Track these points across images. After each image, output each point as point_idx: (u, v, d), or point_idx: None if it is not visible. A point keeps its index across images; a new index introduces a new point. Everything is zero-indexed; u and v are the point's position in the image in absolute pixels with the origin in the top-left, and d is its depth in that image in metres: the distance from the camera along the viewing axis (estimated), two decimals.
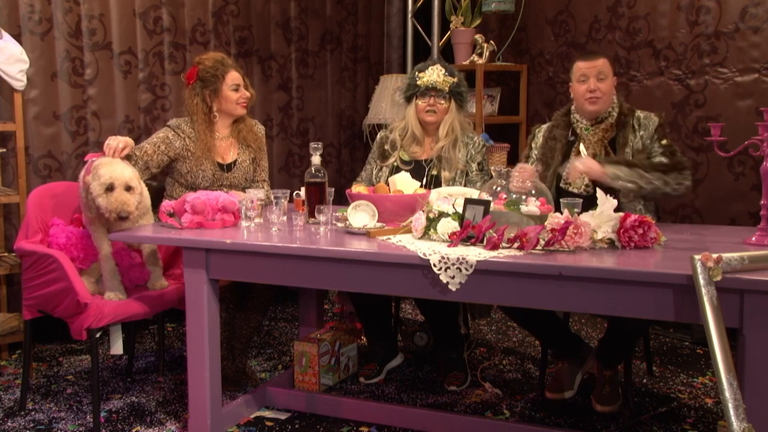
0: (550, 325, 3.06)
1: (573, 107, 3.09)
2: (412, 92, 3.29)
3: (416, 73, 3.29)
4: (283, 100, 4.73)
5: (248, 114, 3.37)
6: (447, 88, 3.23)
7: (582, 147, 2.99)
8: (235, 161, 3.31)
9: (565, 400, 3.03)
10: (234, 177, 3.30)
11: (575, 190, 2.96)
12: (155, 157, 3.16)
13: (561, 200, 2.45)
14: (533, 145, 3.17)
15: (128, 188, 2.71)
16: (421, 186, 2.91)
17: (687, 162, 2.93)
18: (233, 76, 3.25)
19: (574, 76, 3.04)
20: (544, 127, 3.18)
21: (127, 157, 2.99)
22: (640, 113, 3.00)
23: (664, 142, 2.92)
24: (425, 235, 2.41)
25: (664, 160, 2.88)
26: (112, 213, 2.67)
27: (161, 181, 3.43)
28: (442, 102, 3.24)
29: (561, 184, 3.01)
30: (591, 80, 2.96)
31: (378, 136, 3.44)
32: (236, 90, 3.25)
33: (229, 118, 3.31)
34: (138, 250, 3.04)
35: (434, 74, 3.22)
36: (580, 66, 3.01)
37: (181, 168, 3.24)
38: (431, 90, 3.23)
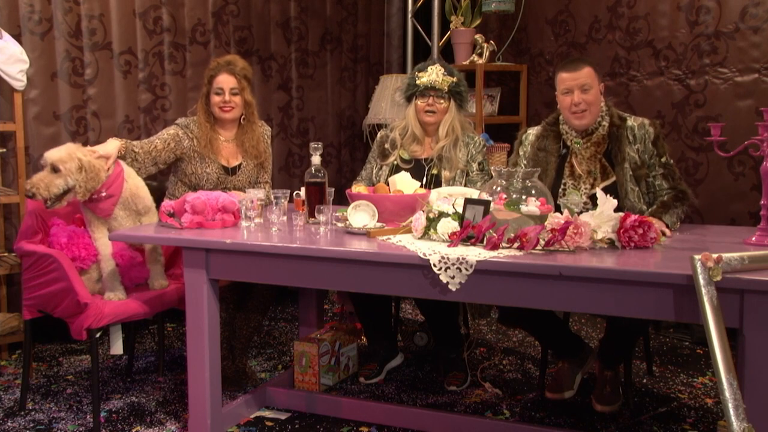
0: (550, 325, 3.06)
1: (561, 117, 2.97)
2: (412, 92, 3.29)
3: (416, 73, 3.29)
4: (283, 100, 4.73)
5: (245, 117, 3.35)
6: (446, 88, 3.23)
7: (575, 162, 2.89)
8: (240, 165, 3.31)
9: (564, 400, 3.03)
10: (238, 180, 3.30)
11: (574, 208, 2.84)
12: (163, 153, 3.16)
13: (560, 200, 2.45)
14: (521, 153, 3.06)
15: (54, 169, 2.65)
16: (421, 185, 2.91)
17: (685, 185, 2.87)
18: (220, 80, 3.24)
19: (558, 87, 2.92)
20: (532, 133, 3.06)
21: (127, 154, 3.01)
22: (632, 122, 2.89)
23: (663, 160, 2.84)
24: (425, 235, 2.41)
25: (664, 184, 2.83)
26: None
27: (161, 181, 3.43)
28: (442, 102, 3.24)
29: (558, 201, 2.74)
30: (575, 93, 2.84)
31: (378, 135, 3.44)
32: (218, 94, 3.24)
33: (231, 122, 3.31)
34: (140, 249, 3.03)
35: (433, 74, 3.22)
36: (563, 77, 2.89)
37: (186, 168, 3.25)
38: (430, 90, 3.23)
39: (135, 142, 3.10)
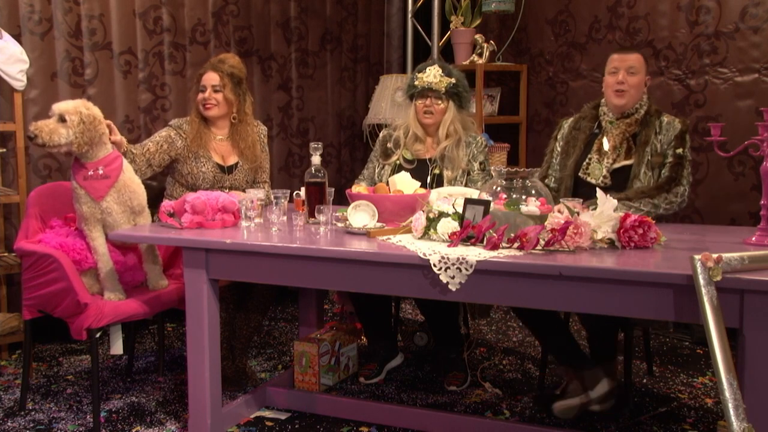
0: (553, 328, 2.98)
1: (603, 101, 3.13)
2: (411, 93, 3.30)
3: (415, 73, 3.30)
4: (283, 100, 4.73)
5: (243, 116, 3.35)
6: (443, 89, 3.23)
7: (605, 140, 3.04)
8: (237, 164, 3.31)
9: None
10: (235, 179, 3.30)
11: (593, 181, 3.01)
12: (157, 155, 3.17)
13: (561, 200, 2.45)
14: (558, 137, 3.21)
15: (62, 119, 2.67)
16: (424, 185, 2.91)
17: (685, 178, 2.95)
18: (205, 77, 3.27)
19: (607, 69, 3.07)
20: (572, 118, 3.23)
21: (126, 154, 3.01)
22: (665, 117, 3.03)
23: (678, 150, 2.94)
24: (425, 235, 2.41)
25: (667, 173, 2.94)
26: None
27: (161, 181, 3.43)
28: (439, 103, 3.24)
29: (579, 174, 3.06)
30: (621, 72, 3.00)
31: (381, 134, 3.45)
32: (202, 91, 3.27)
33: (221, 119, 3.31)
34: (134, 250, 3.01)
35: (431, 75, 3.23)
36: (613, 58, 3.07)
37: (182, 169, 3.25)
38: (428, 91, 3.23)
39: (131, 145, 3.12)
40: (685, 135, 2.98)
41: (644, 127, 3.00)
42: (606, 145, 3.02)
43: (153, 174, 3.23)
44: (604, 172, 2.99)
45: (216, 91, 3.25)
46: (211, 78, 3.25)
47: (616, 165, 2.99)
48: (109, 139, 2.83)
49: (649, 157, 2.95)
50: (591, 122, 3.14)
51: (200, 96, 3.27)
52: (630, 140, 3.01)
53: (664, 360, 3.63)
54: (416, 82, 3.26)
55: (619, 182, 2.97)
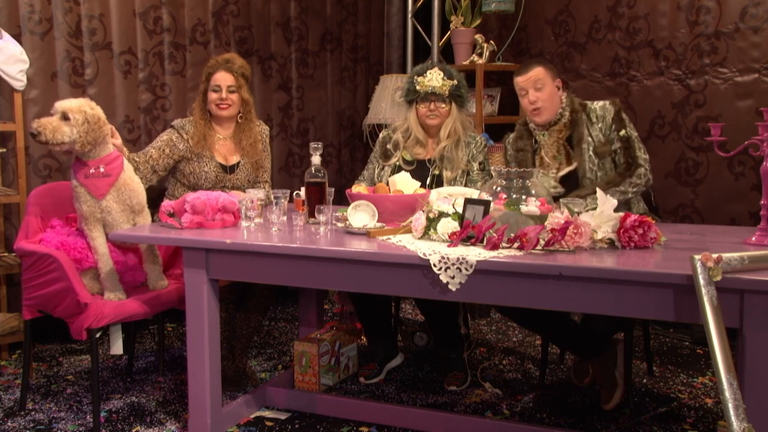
0: (559, 324, 2.98)
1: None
2: (413, 97, 3.28)
3: (415, 77, 3.26)
4: (283, 100, 4.73)
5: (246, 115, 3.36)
6: (447, 92, 3.22)
7: (543, 153, 3.09)
8: (238, 163, 3.32)
9: (581, 401, 3.02)
10: (237, 179, 3.30)
11: (552, 190, 3.01)
12: (161, 161, 3.18)
13: (561, 200, 2.45)
14: (508, 159, 3.26)
15: (65, 117, 2.68)
16: (423, 186, 2.91)
17: (642, 157, 2.97)
18: (218, 77, 3.27)
19: (517, 93, 3.13)
20: (511, 136, 3.27)
21: (131, 161, 3.02)
22: (595, 105, 3.06)
23: (622, 133, 2.96)
24: (425, 235, 2.41)
25: (621, 159, 2.97)
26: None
27: (162, 181, 3.43)
28: (443, 105, 3.24)
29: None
30: (530, 92, 3.05)
31: (380, 135, 3.44)
32: (215, 91, 3.26)
33: (228, 120, 3.32)
34: (134, 250, 3.02)
35: (433, 79, 3.21)
36: (517, 81, 3.10)
37: (184, 169, 3.26)
38: (431, 95, 3.22)
39: (133, 154, 3.13)
40: (621, 114, 3.00)
41: (575, 127, 3.04)
42: (546, 158, 3.07)
43: (159, 179, 3.24)
44: (553, 182, 3.01)
45: (231, 92, 3.27)
46: (226, 78, 3.26)
47: (562, 172, 3.03)
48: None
49: (590, 152, 2.98)
50: (529, 139, 3.17)
51: (214, 96, 3.26)
52: (566, 145, 3.05)
53: (664, 360, 3.63)
54: (418, 87, 3.23)
55: (570, 188, 3.01)
